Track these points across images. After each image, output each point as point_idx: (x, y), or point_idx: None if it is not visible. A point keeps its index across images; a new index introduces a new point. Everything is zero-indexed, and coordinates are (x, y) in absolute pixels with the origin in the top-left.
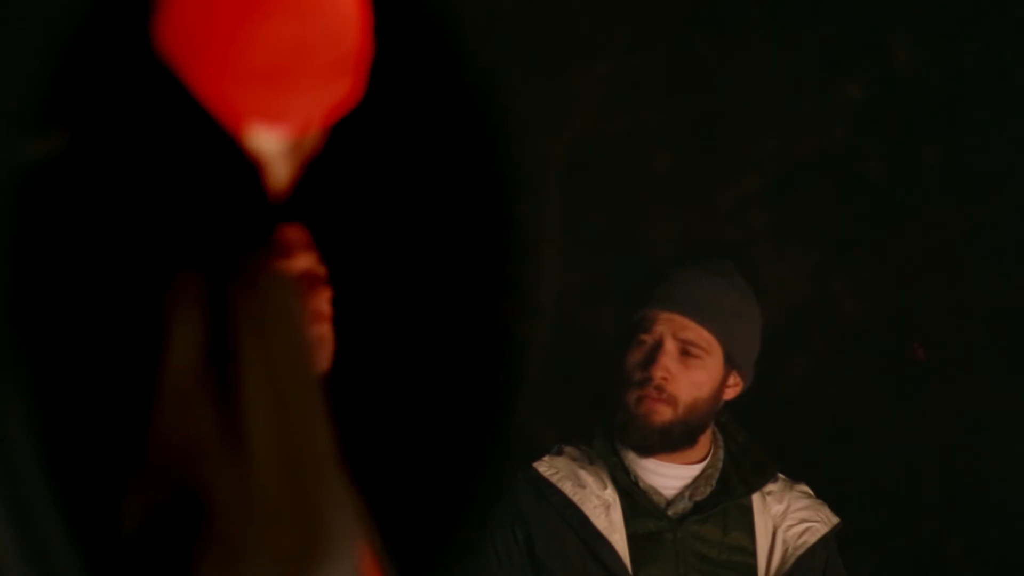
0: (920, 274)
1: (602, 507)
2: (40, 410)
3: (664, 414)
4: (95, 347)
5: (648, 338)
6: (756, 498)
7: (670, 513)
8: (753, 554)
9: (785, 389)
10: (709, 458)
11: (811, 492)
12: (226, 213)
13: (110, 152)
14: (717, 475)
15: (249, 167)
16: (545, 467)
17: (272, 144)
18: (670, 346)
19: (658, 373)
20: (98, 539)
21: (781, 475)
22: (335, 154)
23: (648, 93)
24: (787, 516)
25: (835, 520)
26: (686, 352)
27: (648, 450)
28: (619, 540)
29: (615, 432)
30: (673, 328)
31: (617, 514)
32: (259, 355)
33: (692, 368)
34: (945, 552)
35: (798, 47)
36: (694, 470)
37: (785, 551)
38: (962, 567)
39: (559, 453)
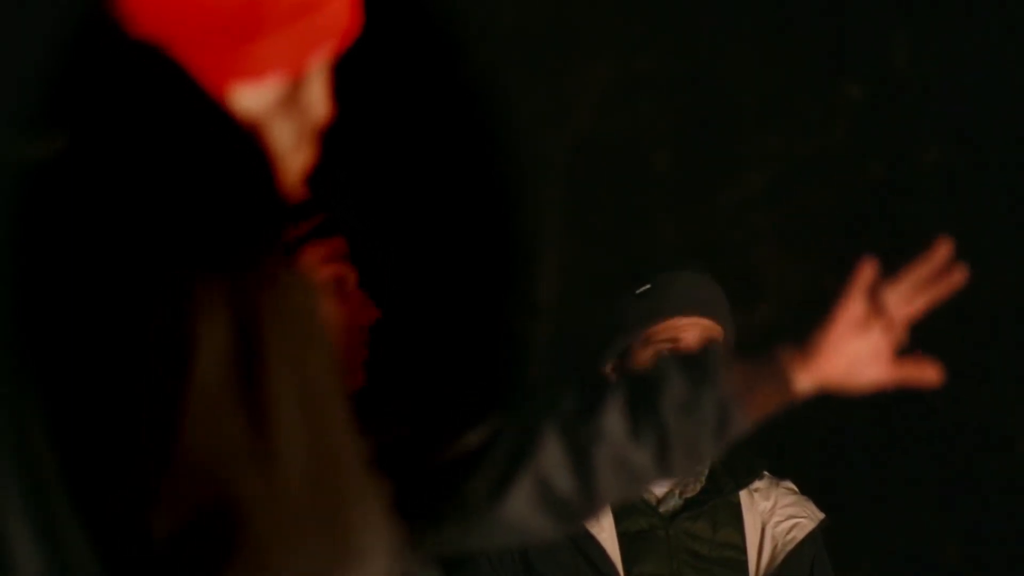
0: None
1: None
2: (66, 420)
3: None
4: (120, 356)
5: (673, 346)
6: (744, 495)
7: (661, 510)
8: (744, 550)
9: None
10: None
11: (796, 488)
12: (239, 206)
13: (115, 151)
14: (707, 472)
15: (259, 155)
16: None
17: (260, 100)
18: (697, 347)
19: None
20: (126, 549)
21: (766, 472)
22: (338, 155)
23: (648, 93)
24: (775, 512)
25: (821, 515)
26: None
27: None
28: (608, 539)
29: None
30: (693, 330)
31: (605, 513)
32: (286, 357)
33: None
34: (945, 552)
35: (798, 47)
36: None
37: (774, 547)
38: (962, 567)
39: None
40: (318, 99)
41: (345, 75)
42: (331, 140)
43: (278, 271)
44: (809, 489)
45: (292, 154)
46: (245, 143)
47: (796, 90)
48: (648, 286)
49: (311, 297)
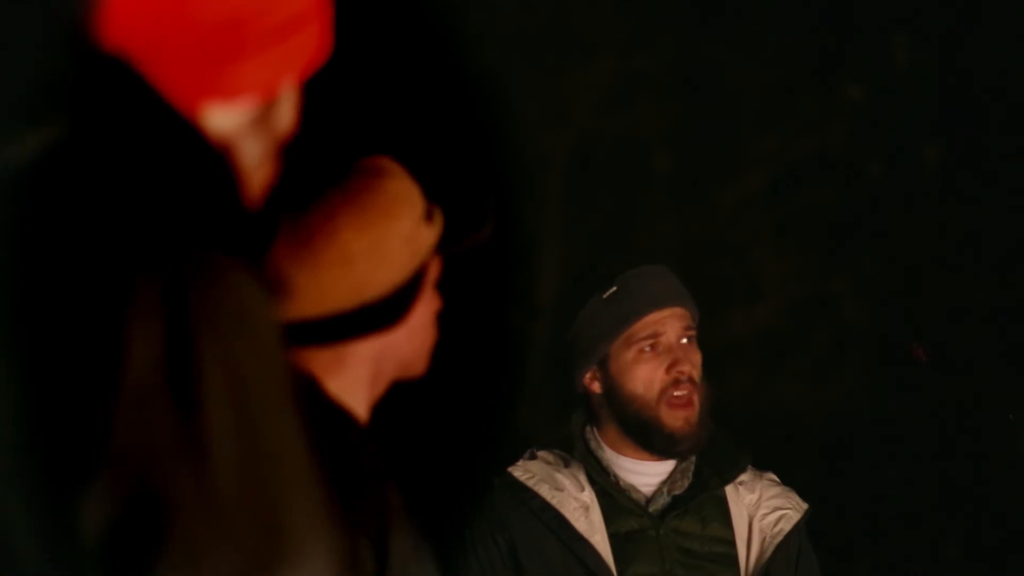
0: (920, 274)
1: (581, 509)
2: None
3: (694, 406)
4: (52, 352)
5: (655, 341)
6: (729, 489)
7: (651, 510)
8: (733, 544)
9: (785, 389)
10: None
11: (778, 480)
12: (189, 209)
13: (69, 152)
14: (692, 468)
15: (216, 160)
16: (520, 472)
17: (233, 120)
18: (678, 337)
19: (686, 368)
20: (59, 545)
21: (749, 464)
22: (335, 154)
23: (648, 93)
24: (760, 505)
25: (805, 506)
26: (687, 337)
27: (689, 452)
28: (600, 541)
29: (655, 443)
30: (672, 321)
31: (596, 515)
32: (219, 357)
33: (694, 350)
34: (945, 552)
35: (798, 47)
36: (670, 465)
37: (763, 540)
38: (961, 567)
39: (532, 458)
40: (286, 118)
41: (343, 75)
42: (333, 139)
43: (219, 274)
44: (807, 488)
45: (257, 170)
46: (214, 160)
47: (796, 90)
48: (614, 288)
49: (253, 299)
